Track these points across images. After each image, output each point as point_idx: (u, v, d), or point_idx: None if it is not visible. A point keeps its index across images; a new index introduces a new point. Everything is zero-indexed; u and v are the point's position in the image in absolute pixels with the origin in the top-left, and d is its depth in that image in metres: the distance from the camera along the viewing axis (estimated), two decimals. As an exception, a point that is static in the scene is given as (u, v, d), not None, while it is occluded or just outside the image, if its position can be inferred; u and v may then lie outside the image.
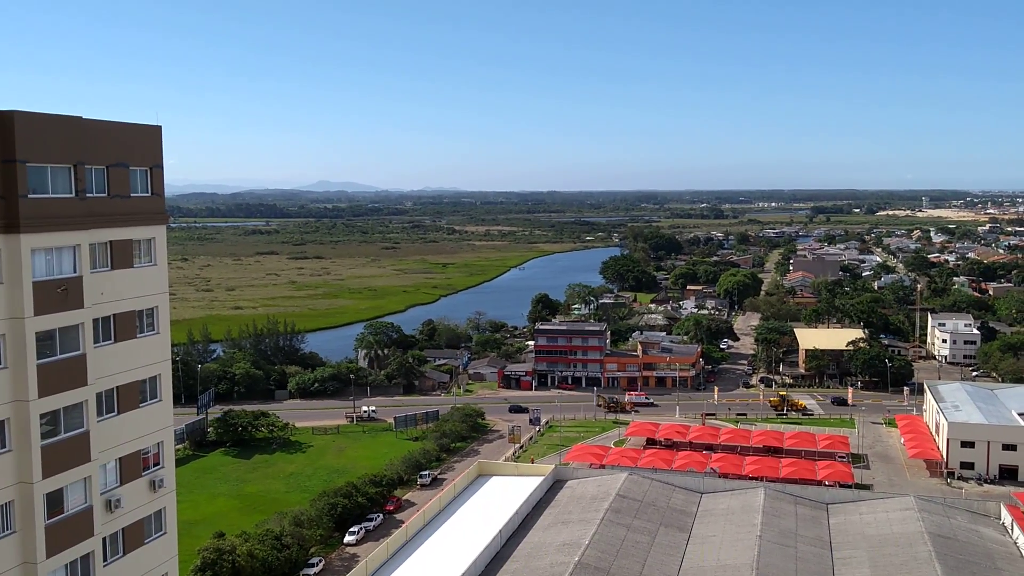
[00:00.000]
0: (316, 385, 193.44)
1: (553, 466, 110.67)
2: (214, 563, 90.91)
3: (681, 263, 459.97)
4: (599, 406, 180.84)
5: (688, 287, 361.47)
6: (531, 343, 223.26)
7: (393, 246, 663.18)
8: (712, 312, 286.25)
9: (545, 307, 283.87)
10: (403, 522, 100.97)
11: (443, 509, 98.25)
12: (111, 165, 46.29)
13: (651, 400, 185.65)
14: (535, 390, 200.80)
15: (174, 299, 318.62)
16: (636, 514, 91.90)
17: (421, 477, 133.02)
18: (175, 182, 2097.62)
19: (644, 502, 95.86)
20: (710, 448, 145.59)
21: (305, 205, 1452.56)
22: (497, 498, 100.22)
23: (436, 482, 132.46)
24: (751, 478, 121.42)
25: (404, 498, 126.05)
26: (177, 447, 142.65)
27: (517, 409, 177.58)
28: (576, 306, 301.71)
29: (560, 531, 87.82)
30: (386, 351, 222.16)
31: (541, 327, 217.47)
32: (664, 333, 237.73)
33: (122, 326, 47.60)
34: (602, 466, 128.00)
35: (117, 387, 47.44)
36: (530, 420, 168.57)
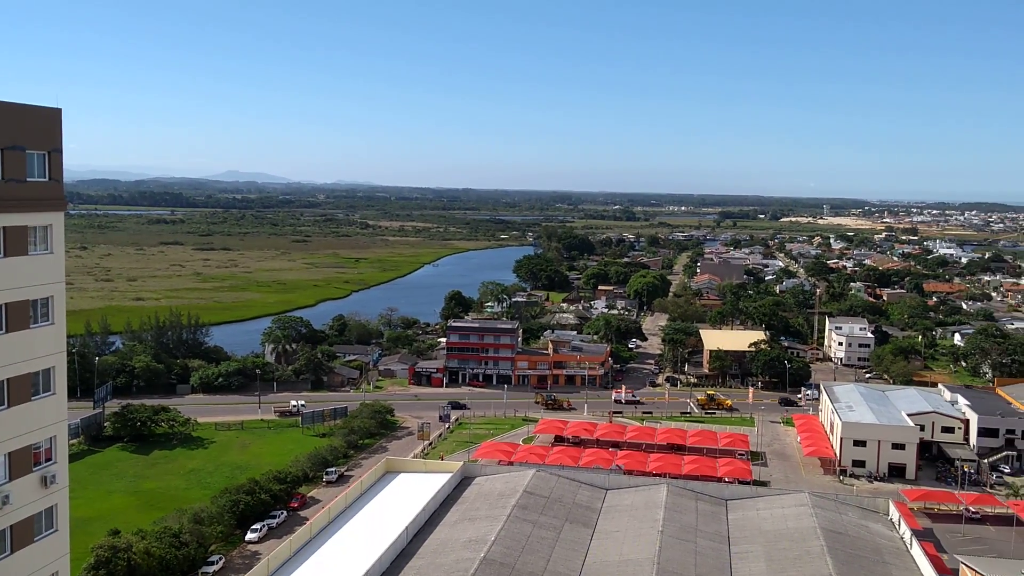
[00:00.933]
0: (220, 380, 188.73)
1: (462, 463, 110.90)
2: (108, 561, 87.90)
3: (593, 263, 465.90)
4: (537, 403, 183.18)
5: (599, 287, 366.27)
6: (443, 340, 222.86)
7: (304, 239, 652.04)
8: (622, 312, 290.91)
9: (458, 304, 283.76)
10: (307, 519, 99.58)
11: (349, 506, 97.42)
12: (6, 148, 44.40)
13: (638, 398, 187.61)
14: (446, 387, 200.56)
15: (71, 289, 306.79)
16: (542, 510, 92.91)
17: (327, 474, 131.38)
18: (75, 167, 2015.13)
19: (551, 498, 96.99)
20: (616, 446, 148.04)
21: (213, 195, 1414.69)
22: (404, 495, 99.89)
23: (343, 479, 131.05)
24: (655, 475, 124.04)
25: (309, 495, 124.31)
26: (72, 442, 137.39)
27: (457, 406, 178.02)
28: (489, 304, 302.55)
29: (467, 527, 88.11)
30: (294, 346, 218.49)
31: (454, 324, 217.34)
32: (575, 332, 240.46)
33: (14, 316, 45.71)
34: (511, 463, 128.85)
35: (8, 379, 45.55)
36: (439, 417, 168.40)
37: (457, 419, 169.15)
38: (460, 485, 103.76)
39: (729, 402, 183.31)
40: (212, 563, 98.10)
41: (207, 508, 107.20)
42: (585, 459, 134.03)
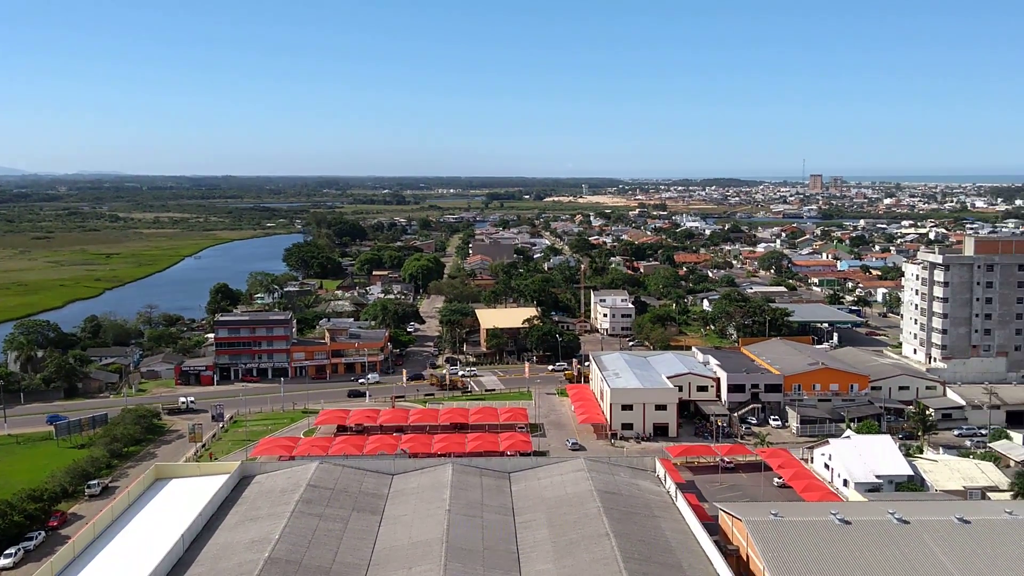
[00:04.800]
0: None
1: (239, 462, 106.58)
2: None
3: (366, 249, 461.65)
4: (432, 384, 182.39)
5: (374, 272, 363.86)
6: (211, 336, 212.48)
7: (46, 235, 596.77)
8: (398, 296, 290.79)
9: (225, 297, 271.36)
10: (69, 538, 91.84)
11: (117, 519, 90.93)
12: None
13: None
14: (217, 385, 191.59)
15: None
16: (328, 502, 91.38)
17: (89, 487, 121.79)
18: None
19: (336, 490, 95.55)
20: (400, 430, 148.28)
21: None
22: (178, 501, 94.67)
23: (107, 491, 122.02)
24: (440, 455, 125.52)
25: (71, 512, 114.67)
26: None
27: (355, 394, 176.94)
28: (259, 295, 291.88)
29: (249, 528, 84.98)
30: (42, 352, 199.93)
31: (222, 318, 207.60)
32: (352, 319, 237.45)
33: None
34: (292, 458, 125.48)
35: None
36: (212, 417, 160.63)
37: (231, 417, 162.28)
38: (239, 486, 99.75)
39: (462, 381, 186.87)
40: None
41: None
42: (370, 446, 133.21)
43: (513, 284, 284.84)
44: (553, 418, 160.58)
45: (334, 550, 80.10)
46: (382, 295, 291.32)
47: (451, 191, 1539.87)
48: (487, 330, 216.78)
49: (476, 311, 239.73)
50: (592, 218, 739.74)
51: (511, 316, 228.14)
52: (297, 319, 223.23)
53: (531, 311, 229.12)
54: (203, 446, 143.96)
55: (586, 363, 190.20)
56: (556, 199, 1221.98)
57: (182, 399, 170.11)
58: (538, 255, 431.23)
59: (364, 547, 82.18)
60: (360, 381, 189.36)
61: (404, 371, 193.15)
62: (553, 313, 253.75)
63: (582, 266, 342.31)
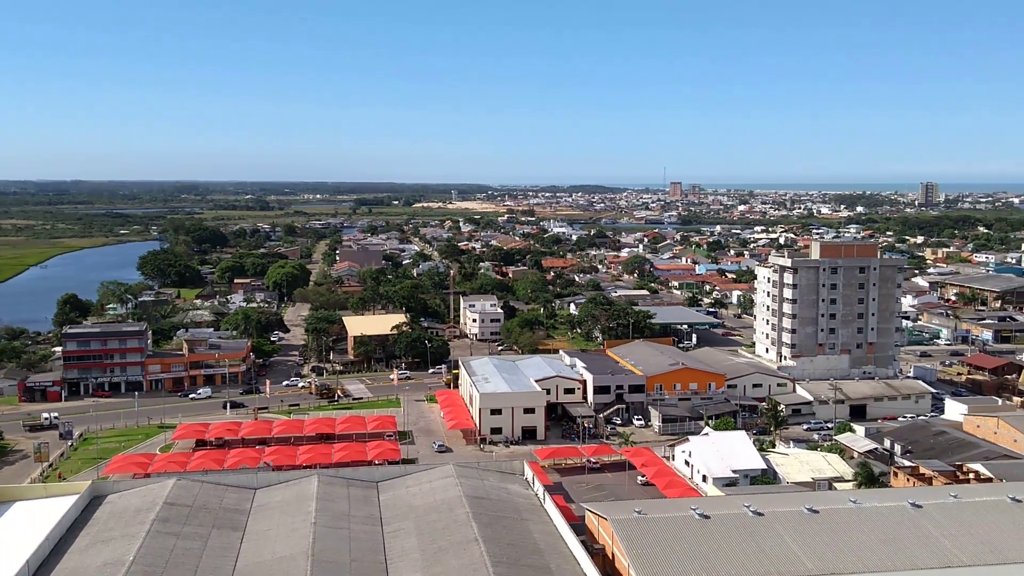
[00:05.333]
0: None
1: (90, 482, 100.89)
2: None
3: (227, 256, 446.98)
4: (311, 393, 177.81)
5: (236, 280, 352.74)
6: (59, 349, 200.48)
7: None
8: (261, 305, 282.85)
9: (74, 308, 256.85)
10: None
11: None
12: None
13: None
14: (65, 401, 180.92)
15: None
16: (186, 520, 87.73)
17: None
18: None
19: (195, 507, 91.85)
20: (264, 443, 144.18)
21: None
22: (22, 525, 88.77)
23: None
24: (306, 467, 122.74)
25: None
26: None
27: (236, 405, 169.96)
28: (112, 306, 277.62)
29: (100, 551, 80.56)
30: None
31: (70, 331, 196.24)
32: (212, 329, 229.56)
33: None
34: (147, 475, 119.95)
35: None
36: (60, 434, 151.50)
37: (81, 434, 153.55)
38: (90, 506, 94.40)
39: (343, 389, 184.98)
40: None
41: None
42: (231, 460, 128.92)
43: (381, 291, 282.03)
44: (422, 425, 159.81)
45: (193, 569, 76.96)
46: (244, 304, 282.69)
47: (318, 196, 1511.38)
48: (355, 338, 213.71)
49: (343, 318, 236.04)
50: (462, 224, 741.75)
51: (379, 323, 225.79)
52: (153, 330, 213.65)
53: (400, 317, 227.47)
54: (50, 466, 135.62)
55: (454, 369, 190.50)
56: (426, 205, 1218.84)
57: (45, 415, 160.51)
58: (407, 261, 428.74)
59: (225, 565, 79.31)
60: (191, 396, 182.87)
61: (268, 381, 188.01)
62: (422, 319, 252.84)
63: (452, 272, 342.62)
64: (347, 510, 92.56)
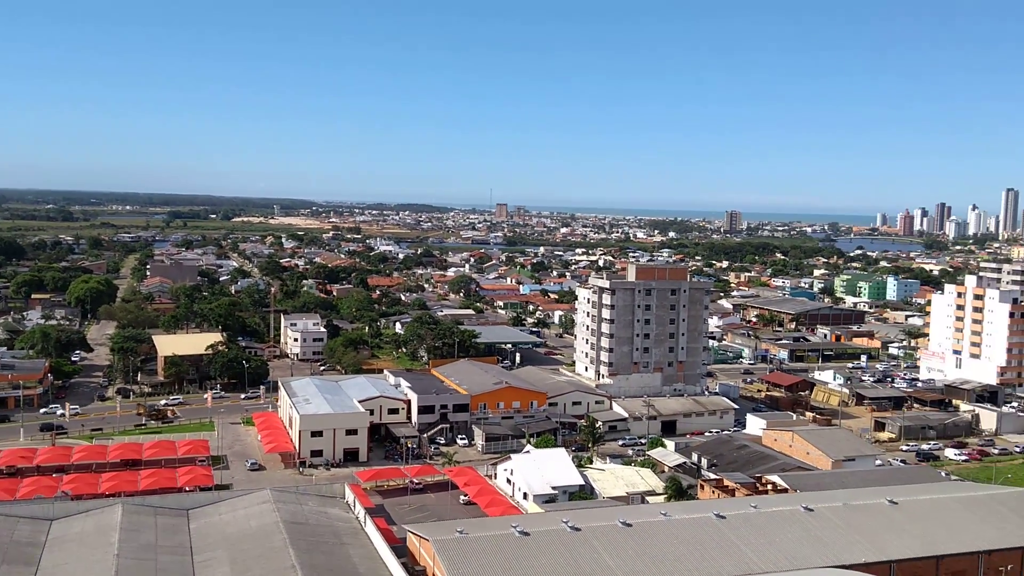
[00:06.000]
0: None
1: None
2: None
3: (25, 269, 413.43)
4: (139, 415, 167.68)
5: (33, 296, 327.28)
6: None
7: None
8: (62, 322, 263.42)
9: None
10: None
11: None
12: None
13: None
14: None
15: None
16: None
17: None
18: None
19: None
20: (62, 470, 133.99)
21: None
22: None
23: None
24: (109, 495, 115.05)
25: None
26: None
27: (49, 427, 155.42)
28: None
29: None
30: None
31: None
32: (5, 348, 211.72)
33: None
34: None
35: None
36: None
37: None
38: None
39: (173, 411, 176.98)
40: None
41: None
42: (24, 490, 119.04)
43: (196, 308, 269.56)
44: (238, 449, 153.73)
45: (-25, 613, 70.35)
46: (42, 321, 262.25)
47: (127, 208, 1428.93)
48: (166, 357, 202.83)
49: (153, 337, 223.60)
50: (284, 240, 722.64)
51: (193, 342, 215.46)
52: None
53: (216, 336, 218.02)
54: None
55: (274, 391, 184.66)
56: (246, 219, 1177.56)
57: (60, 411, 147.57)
58: (225, 278, 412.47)
59: (13, 606, 73.03)
60: None
61: (67, 403, 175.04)
62: (240, 338, 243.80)
63: (272, 289, 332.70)
64: (154, 540, 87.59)
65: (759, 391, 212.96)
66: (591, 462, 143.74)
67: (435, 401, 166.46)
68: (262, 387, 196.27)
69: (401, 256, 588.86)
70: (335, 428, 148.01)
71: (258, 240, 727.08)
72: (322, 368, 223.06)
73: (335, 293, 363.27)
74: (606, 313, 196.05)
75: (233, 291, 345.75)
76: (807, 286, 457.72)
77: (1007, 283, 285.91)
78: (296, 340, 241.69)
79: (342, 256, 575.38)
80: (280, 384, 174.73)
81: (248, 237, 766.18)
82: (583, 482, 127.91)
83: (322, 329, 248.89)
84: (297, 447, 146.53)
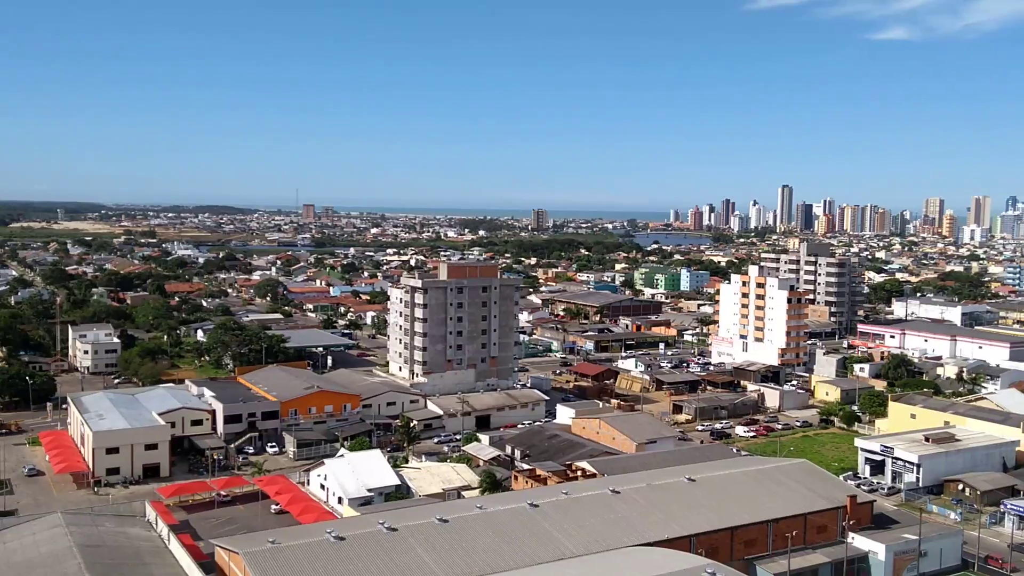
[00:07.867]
0: None
1: None
2: None
3: None
4: None
5: None
6: None
7: None
8: None
9: None
10: None
11: None
12: None
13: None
14: None
15: None
16: None
17: None
18: None
19: None
20: None
21: None
22: None
23: None
24: None
25: None
26: None
27: None
28: None
29: None
30: None
31: None
32: None
33: None
34: None
35: None
36: None
37: None
38: None
39: None
40: None
41: None
42: None
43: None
44: (24, 472, 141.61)
45: None
46: None
47: None
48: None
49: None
50: (70, 246, 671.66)
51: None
52: None
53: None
54: None
55: (64, 406, 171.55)
56: (26, 225, 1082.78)
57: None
58: (3, 288, 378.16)
59: None
60: None
61: None
62: (23, 353, 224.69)
63: (58, 299, 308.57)
64: (-76, 580, 79.30)
65: (567, 382, 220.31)
66: (407, 461, 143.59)
67: (242, 410, 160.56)
68: (49, 404, 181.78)
69: (202, 260, 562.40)
70: (132, 443, 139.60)
71: (40, 247, 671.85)
72: (117, 381, 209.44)
73: (129, 301, 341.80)
74: (419, 312, 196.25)
75: (13, 302, 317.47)
76: (610, 280, 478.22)
77: (784, 272, 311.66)
78: (86, 352, 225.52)
79: (136, 262, 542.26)
80: (70, 400, 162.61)
81: (29, 244, 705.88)
82: (399, 482, 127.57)
83: (115, 340, 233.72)
84: (91, 466, 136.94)
